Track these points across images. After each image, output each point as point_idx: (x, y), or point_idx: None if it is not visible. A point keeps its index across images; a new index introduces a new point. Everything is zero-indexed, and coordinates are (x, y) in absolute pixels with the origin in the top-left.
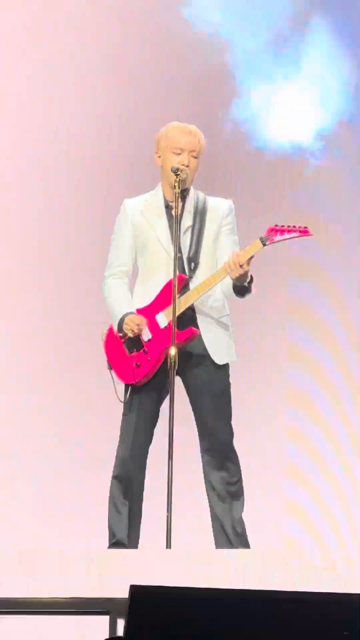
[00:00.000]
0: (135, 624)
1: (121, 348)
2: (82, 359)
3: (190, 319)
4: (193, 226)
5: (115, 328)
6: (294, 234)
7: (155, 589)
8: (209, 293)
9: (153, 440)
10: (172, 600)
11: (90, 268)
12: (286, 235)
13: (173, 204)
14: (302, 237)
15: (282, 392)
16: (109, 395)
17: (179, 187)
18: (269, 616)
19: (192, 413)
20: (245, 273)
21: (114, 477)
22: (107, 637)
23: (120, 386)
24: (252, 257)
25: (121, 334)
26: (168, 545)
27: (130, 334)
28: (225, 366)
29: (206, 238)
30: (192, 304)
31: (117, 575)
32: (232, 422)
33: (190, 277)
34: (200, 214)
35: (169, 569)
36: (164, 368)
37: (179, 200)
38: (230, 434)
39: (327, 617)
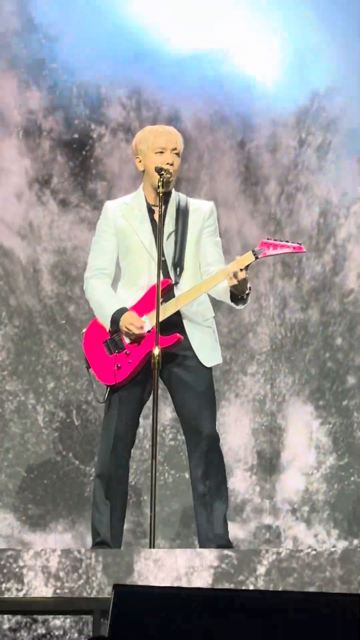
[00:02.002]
0: (119, 623)
1: (101, 348)
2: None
3: (176, 323)
4: (176, 230)
5: (106, 323)
6: (287, 250)
7: (139, 588)
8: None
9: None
10: (155, 599)
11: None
12: (279, 250)
13: (156, 208)
14: (295, 253)
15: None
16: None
17: (162, 187)
18: (252, 615)
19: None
20: (245, 281)
21: (96, 477)
22: (91, 636)
23: (100, 386)
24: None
25: (113, 329)
26: (151, 544)
27: (129, 337)
28: (210, 368)
29: (189, 242)
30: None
31: (101, 574)
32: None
33: (176, 283)
34: (182, 217)
35: (152, 569)
36: (145, 368)
37: (162, 201)
38: (214, 430)
39: (311, 616)
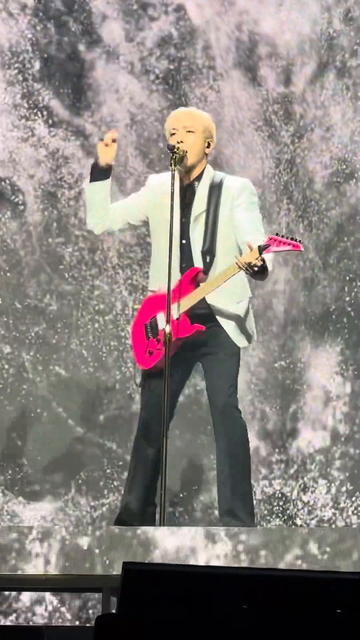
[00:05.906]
0: (128, 600)
1: (142, 330)
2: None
3: (206, 316)
4: (207, 212)
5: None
6: (287, 247)
7: (148, 566)
8: (230, 279)
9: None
10: (164, 577)
11: None
12: (281, 247)
13: (188, 189)
14: (293, 250)
15: None
16: None
17: (174, 165)
18: (262, 594)
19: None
20: (261, 269)
21: (130, 459)
22: (100, 614)
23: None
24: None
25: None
26: (161, 522)
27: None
28: (239, 348)
29: (221, 225)
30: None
31: (110, 552)
32: None
33: (206, 271)
34: (215, 199)
35: (162, 546)
36: (176, 357)
37: (174, 179)
38: (232, 395)
39: (321, 595)
